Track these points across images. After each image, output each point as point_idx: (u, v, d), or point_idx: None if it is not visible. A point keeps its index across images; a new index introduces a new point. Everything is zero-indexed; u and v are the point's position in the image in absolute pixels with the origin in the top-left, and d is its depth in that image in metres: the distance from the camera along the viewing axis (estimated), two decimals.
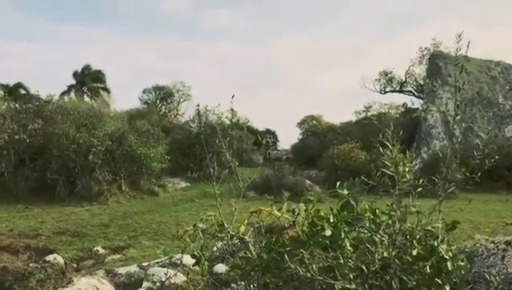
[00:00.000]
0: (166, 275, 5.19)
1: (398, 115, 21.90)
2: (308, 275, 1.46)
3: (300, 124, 25.05)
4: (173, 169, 15.67)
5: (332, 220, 1.60)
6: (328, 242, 1.55)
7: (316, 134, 21.92)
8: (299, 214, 1.62)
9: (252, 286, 1.85)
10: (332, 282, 1.56)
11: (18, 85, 24.88)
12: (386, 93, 24.66)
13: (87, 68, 29.08)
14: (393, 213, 1.75)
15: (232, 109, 19.10)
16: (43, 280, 5.60)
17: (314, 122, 24.47)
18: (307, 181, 12.67)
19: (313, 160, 17.92)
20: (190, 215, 9.17)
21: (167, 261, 5.66)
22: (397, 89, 24.53)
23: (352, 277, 1.52)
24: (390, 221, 1.74)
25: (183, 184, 15.37)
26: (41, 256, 6.49)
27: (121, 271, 5.55)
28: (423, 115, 17.75)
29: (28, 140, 11.31)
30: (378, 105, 23.90)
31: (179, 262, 5.63)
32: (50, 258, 6.15)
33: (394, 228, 1.72)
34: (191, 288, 5.12)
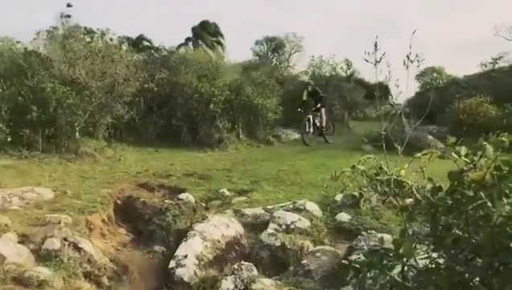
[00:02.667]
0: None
1: None
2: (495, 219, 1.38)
3: (419, 76, 23.54)
4: (285, 120, 15.87)
5: None
6: None
7: (437, 87, 20.51)
8: (481, 157, 1.52)
9: (413, 229, 1.81)
10: None
11: (141, 38, 26.60)
12: None
13: (204, 22, 30.03)
14: None
15: (347, 60, 18.62)
16: (178, 216, 6.13)
17: (435, 75, 22.86)
18: (429, 136, 12.01)
19: (432, 115, 16.87)
20: (307, 164, 9.29)
21: (291, 206, 5.84)
22: None
23: None
24: None
25: (296, 136, 15.55)
26: (174, 194, 7.09)
27: (248, 212, 5.87)
28: None
29: (156, 89, 12.12)
30: None
31: (302, 207, 5.77)
32: (182, 196, 6.68)
33: None
34: (315, 233, 5.23)
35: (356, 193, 2.00)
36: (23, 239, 4.53)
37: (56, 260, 4.21)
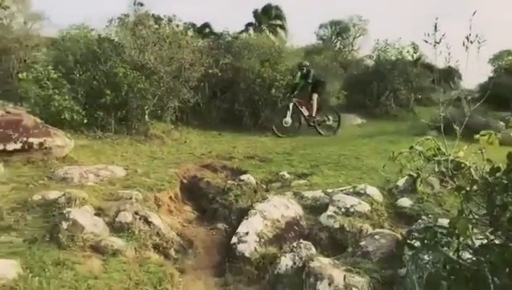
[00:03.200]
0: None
1: None
2: None
3: (493, 60, 22.18)
4: (349, 105, 15.67)
5: None
6: None
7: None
8: None
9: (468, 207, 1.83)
10: None
11: (205, 25, 27.19)
12: None
13: (267, 6, 30.06)
14: None
15: (413, 44, 17.90)
16: (239, 195, 6.35)
17: (510, 58, 21.42)
18: (501, 122, 11.39)
19: (506, 101, 15.91)
20: (369, 149, 9.17)
21: (351, 190, 5.86)
22: None
23: None
24: None
25: (359, 121, 15.33)
26: (236, 176, 7.32)
27: (307, 194, 5.96)
28: None
29: (219, 74, 12.41)
30: None
31: (362, 192, 5.77)
32: (244, 177, 6.90)
33: None
34: (375, 217, 5.23)
35: (413, 173, 2.04)
36: (99, 212, 4.93)
37: (128, 232, 4.56)
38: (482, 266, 1.57)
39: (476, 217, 1.77)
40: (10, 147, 6.59)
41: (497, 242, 1.68)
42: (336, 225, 4.94)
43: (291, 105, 11.89)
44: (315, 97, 12.17)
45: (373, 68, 17.39)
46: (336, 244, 4.75)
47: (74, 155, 7.37)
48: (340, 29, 28.76)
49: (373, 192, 5.82)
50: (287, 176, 7.18)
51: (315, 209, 5.60)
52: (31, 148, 6.75)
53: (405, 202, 5.56)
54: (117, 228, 4.61)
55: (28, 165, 6.63)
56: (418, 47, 15.89)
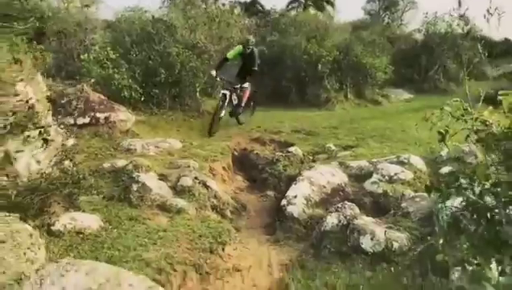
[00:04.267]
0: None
1: None
2: None
3: None
4: (396, 80, 15.56)
5: None
6: None
7: None
8: None
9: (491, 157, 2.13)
10: None
11: (254, 2, 27.34)
12: None
13: None
14: None
15: (464, 16, 17.36)
16: (287, 165, 6.79)
17: None
18: None
19: None
20: (415, 123, 9.27)
21: (395, 159, 6.11)
22: None
23: None
24: None
25: (406, 96, 15.23)
26: (283, 148, 7.73)
27: (353, 164, 6.27)
28: None
29: (266, 51, 12.71)
30: None
31: (406, 161, 6.01)
32: (291, 149, 7.30)
33: None
34: (417, 184, 5.49)
35: (442, 130, 2.34)
36: (161, 177, 5.50)
37: (189, 194, 5.10)
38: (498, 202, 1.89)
39: (495, 163, 2.08)
40: (80, 121, 7.30)
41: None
42: (380, 191, 5.26)
43: (225, 95, 8.89)
44: (247, 85, 9.40)
45: (421, 42, 17.08)
46: (379, 208, 5.07)
47: (135, 129, 8.01)
48: (388, 3, 28.09)
49: (417, 161, 6.05)
50: (333, 148, 7.49)
51: (359, 177, 5.91)
52: (98, 122, 7.44)
53: (447, 170, 5.76)
54: (179, 191, 5.16)
55: (96, 138, 7.32)
56: (469, 20, 15.43)
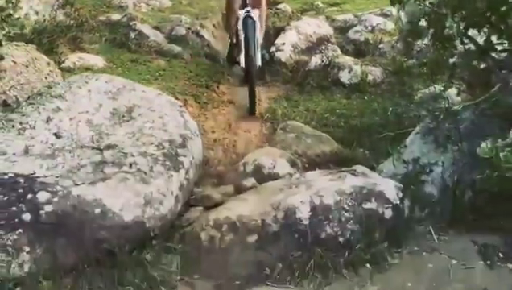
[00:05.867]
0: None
1: None
2: None
3: None
4: None
5: None
6: None
7: None
8: None
9: None
10: None
11: None
12: None
13: None
14: None
15: None
16: (275, 22, 6.97)
17: None
18: None
19: None
20: None
21: (379, 12, 6.39)
22: None
23: None
24: None
25: None
26: (272, 6, 7.84)
27: (338, 17, 6.56)
28: None
29: None
30: None
31: (389, 13, 6.28)
32: (280, 6, 7.44)
33: None
34: (397, 34, 5.84)
35: None
36: (155, 29, 5.78)
37: (184, 42, 5.45)
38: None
39: None
40: None
41: None
42: (362, 39, 5.66)
43: None
44: None
45: None
46: (361, 54, 5.49)
47: None
48: None
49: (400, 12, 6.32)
50: (321, 5, 7.65)
51: (344, 29, 6.23)
52: None
53: None
54: (173, 39, 5.50)
55: None
56: None
